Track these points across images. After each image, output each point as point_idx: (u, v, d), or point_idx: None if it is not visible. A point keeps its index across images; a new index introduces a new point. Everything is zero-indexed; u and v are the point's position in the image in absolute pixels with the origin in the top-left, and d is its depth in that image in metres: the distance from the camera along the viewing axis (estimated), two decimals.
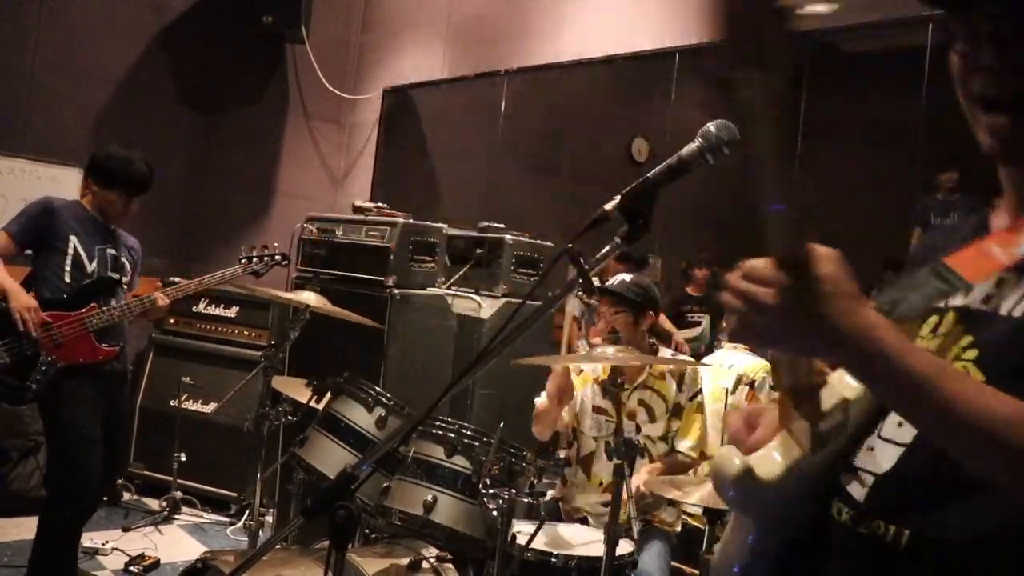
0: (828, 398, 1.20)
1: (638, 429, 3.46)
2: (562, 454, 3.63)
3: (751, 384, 4.00)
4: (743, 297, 1.03)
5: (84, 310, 3.80)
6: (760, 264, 1.02)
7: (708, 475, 3.08)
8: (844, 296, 0.99)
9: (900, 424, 1.15)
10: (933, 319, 1.19)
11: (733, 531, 1.34)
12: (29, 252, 3.88)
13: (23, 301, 3.67)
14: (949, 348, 1.14)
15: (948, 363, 1.05)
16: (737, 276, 1.04)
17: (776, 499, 1.18)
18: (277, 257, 4.29)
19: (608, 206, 1.35)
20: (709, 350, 6.86)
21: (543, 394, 3.52)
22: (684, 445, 3.52)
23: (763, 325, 1.02)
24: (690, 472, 3.52)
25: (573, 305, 6.72)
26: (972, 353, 1.11)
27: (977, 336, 1.12)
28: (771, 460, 1.18)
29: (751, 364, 4.06)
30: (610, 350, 3.01)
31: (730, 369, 4.05)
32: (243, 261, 4.22)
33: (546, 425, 3.46)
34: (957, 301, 1.16)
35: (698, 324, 7.40)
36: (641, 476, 3.24)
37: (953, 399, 0.97)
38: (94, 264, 3.89)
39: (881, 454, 1.16)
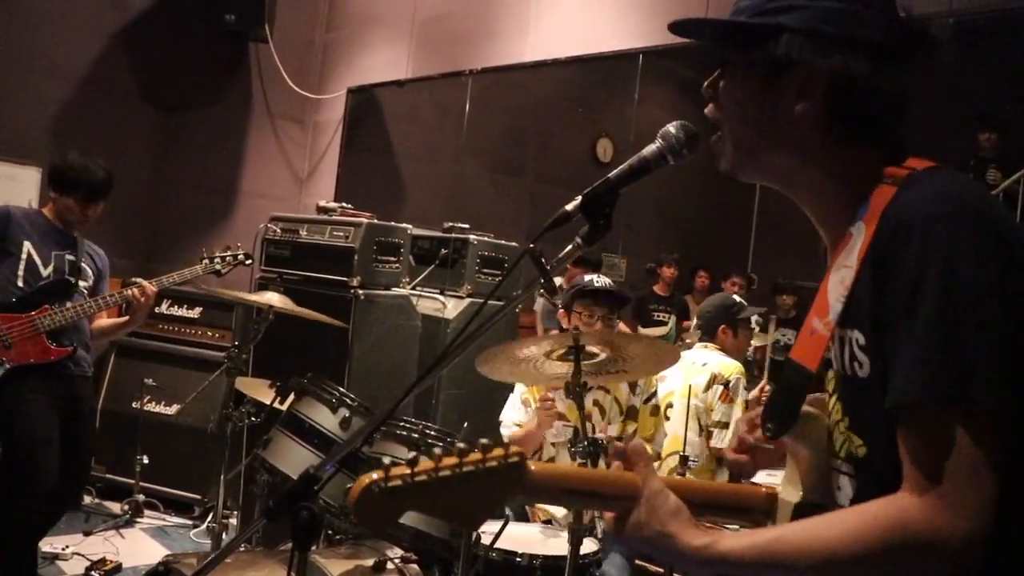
0: (782, 510, 1.33)
1: (593, 430, 3.47)
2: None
3: (725, 384, 4.02)
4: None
5: (35, 312, 3.77)
6: (607, 515, 1.22)
7: (670, 473, 3.11)
8: (657, 536, 1.16)
9: (839, 488, 1.28)
10: (827, 396, 1.31)
11: None
12: None
13: None
14: (836, 420, 1.26)
15: (774, 532, 1.20)
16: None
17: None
18: (240, 256, 4.25)
19: (569, 207, 1.36)
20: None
21: (509, 422, 3.54)
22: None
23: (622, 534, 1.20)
24: None
25: (540, 305, 6.74)
26: (845, 421, 1.23)
27: (842, 402, 1.24)
28: (789, 492, 1.32)
29: (725, 364, 4.09)
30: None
31: (704, 367, 4.08)
32: (204, 261, 4.18)
33: (529, 451, 3.48)
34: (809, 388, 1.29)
35: (664, 324, 7.45)
36: None
37: (789, 558, 1.10)
38: (49, 269, 3.87)
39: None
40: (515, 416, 3.59)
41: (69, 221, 3.95)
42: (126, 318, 4.09)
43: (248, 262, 4.31)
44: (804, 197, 1.32)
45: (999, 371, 1.04)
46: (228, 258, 4.20)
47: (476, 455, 1.06)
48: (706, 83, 1.35)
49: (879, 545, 1.05)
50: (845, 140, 1.25)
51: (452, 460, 1.06)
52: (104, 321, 4.12)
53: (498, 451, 1.07)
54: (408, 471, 1.04)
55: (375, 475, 1.04)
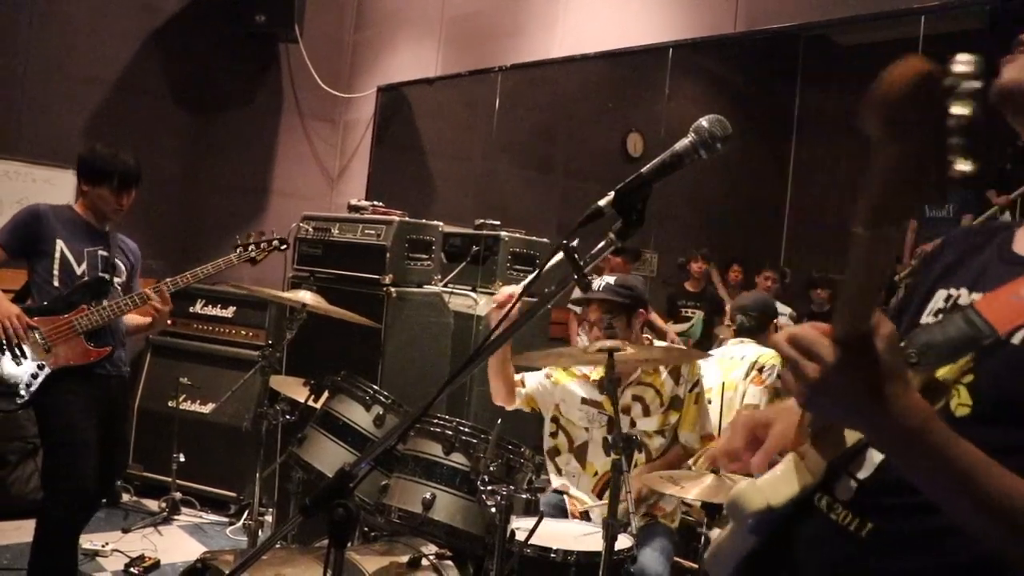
0: (850, 436, 1.27)
1: (632, 424, 3.46)
2: (545, 445, 3.62)
3: (760, 369, 4.01)
4: (790, 362, 1.04)
5: (72, 313, 3.80)
6: (811, 337, 1.02)
7: (707, 468, 3.09)
8: (894, 383, 1.00)
9: None
10: None
11: (731, 535, 1.40)
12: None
13: (5, 309, 3.69)
14: (956, 371, 1.18)
15: (988, 459, 1.04)
16: (784, 340, 1.05)
17: (784, 518, 1.28)
18: (275, 242, 4.22)
19: (602, 202, 1.36)
20: (698, 344, 6.89)
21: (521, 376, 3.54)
22: (688, 438, 3.52)
23: (805, 395, 1.04)
24: (689, 462, 3.53)
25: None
26: (969, 377, 1.16)
27: (978, 362, 1.16)
28: (783, 487, 1.27)
29: (763, 352, 4.08)
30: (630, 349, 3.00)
31: (742, 360, 4.06)
32: (239, 249, 4.16)
33: (500, 382, 3.47)
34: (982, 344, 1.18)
35: (689, 319, 7.41)
36: (635, 482, 3.21)
37: (988, 496, 1.00)
38: (83, 266, 3.89)
39: (869, 460, 1.24)
40: (532, 377, 3.60)
41: (104, 212, 3.95)
42: (144, 321, 4.09)
43: (284, 247, 4.29)
44: None
45: None
46: (263, 244, 4.18)
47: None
48: (967, 145, 1.20)
49: None
50: None
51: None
52: (140, 318, 4.13)
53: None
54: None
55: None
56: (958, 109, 0.86)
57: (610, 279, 3.55)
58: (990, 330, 1.13)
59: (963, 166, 0.93)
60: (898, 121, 0.84)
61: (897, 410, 1.00)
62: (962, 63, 0.87)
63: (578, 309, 6.79)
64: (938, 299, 1.30)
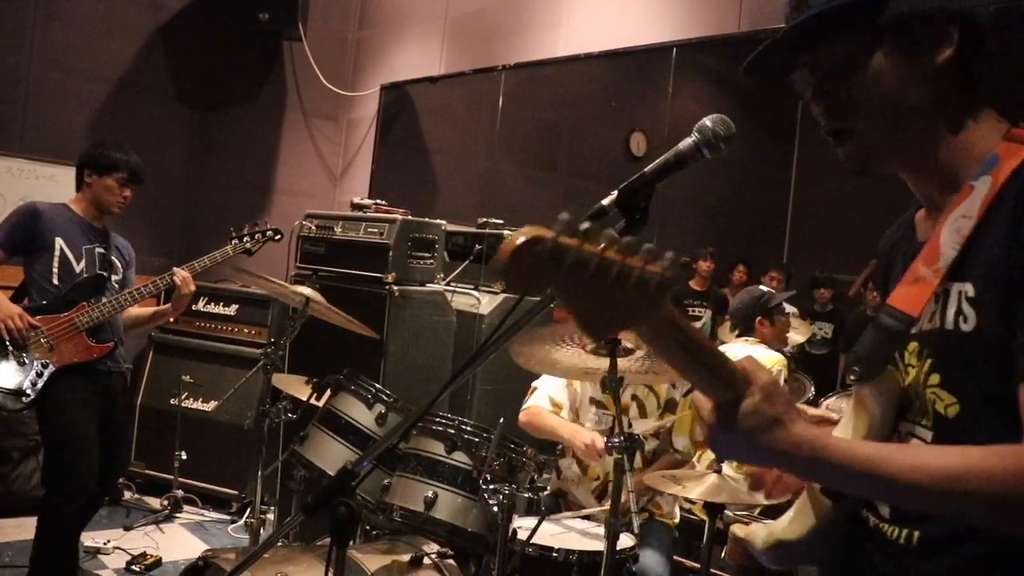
0: None
1: (629, 425, 3.46)
2: (559, 445, 3.62)
3: None
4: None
5: (72, 311, 3.80)
6: (699, 404, 1.16)
7: (708, 467, 3.09)
8: (775, 427, 1.10)
9: None
10: (906, 352, 1.28)
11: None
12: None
13: (7, 309, 3.69)
14: (922, 377, 1.24)
15: (885, 447, 1.16)
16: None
17: (805, 550, 1.34)
18: (269, 232, 4.23)
19: (605, 201, 1.35)
20: None
21: (544, 394, 3.53)
22: (680, 443, 3.52)
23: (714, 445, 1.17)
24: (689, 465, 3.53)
25: None
26: (935, 378, 1.21)
27: (935, 358, 1.21)
28: (798, 524, 1.33)
29: (767, 357, 4.07)
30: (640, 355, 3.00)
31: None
32: (234, 240, 4.18)
33: (533, 432, 3.49)
34: (910, 334, 1.26)
35: (699, 319, 7.40)
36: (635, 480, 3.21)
37: (898, 477, 1.07)
38: (82, 264, 3.90)
39: None
40: (554, 392, 3.58)
41: (106, 205, 3.95)
42: (166, 306, 4.11)
43: (277, 238, 4.30)
44: (926, 163, 1.28)
45: None
46: (257, 235, 4.20)
47: (638, 259, 0.96)
48: (816, 97, 1.30)
49: (1004, 484, 1.03)
50: (973, 92, 1.23)
51: (616, 253, 0.95)
52: (140, 310, 4.13)
53: (657, 265, 0.97)
54: (577, 242, 0.94)
55: (543, 232, 0.93)
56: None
57: None
58: (905, 317, 1.22)
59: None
60: (513, 284, 0.94)
61: (786, 447, 1.09)
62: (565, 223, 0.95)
63: None
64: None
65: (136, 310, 4.11)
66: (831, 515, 1.32)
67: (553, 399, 3.56)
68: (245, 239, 4.19)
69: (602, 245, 0.95)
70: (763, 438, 1.09)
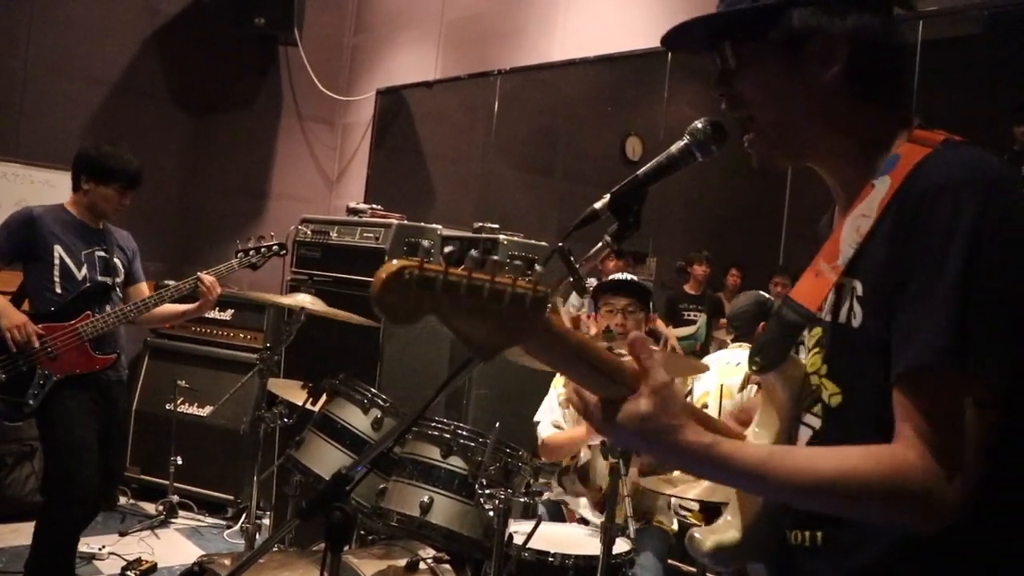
0: None
1: None
2: (564, 462, 3.61)
3: (759, 384, 4.00)
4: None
5: (77, 320, 3.76)
6: (587, 400, 1.17)
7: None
8: (666, 426, 1.12)
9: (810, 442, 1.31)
10: (808, 341, 1.34)
11: None
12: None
13: (13, 319, 3.64)
14: (815, 366, 1.29)
15: (774, 451, 1.20)
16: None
17: (743, 552, 1.37)
18: (275, 248, 4.19)
19: (597, 205, 1.36)
20: (704, 349, 6.87)
21: (547, 422, 3.52)
22: None
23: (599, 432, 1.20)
24: None
25: (571, 301, 6.74)
26: (824, 368, 1.26)
27: (826, 349, 1.26)
28: (733, 525, 1.36)
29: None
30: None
31: (738, 367, 4.04)
32: (239, 254, 4.13)
33: (554, 456, 3.49)
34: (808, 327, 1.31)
35: (694, 323, 7.40)
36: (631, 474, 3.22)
37: (786, 482, 1.12)
38: (84, 270, 3.85)
39: None
40: (553, 416, 3.57)
41: (103, 211, 3.91)
42: (191, 306, 4.03)
43: (283, 253, 4.27)
44: (829, 163, 1.33)
45: (1008, 348, 1.09)
46: (263, 250, 4.15)
47: (507, 277, 0.99)
48: (716, 83, 1.35)
49: (878, 485, 1.09)
50: (865, 100, 1.26)
51: (484, 274, 0.99)
52: (172, 307, 4.06)
53: (527, 282, 1.00)
54: (442, 267, 0.97)
55: (408, 261, 0.98)
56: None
57: (633, 276, 3.57)
58: (804, 311, 1.26)
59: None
60: (390, 314, 0.98)
61: (679, 451, 1.13)
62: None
63: (575, 306, 6.79)
64: None
65: (170, 307, 4.03)
66: (761, 512, 1.35)
67: (555, 423, 3.55)
68: (251, 253, 4.13)
69: (466, 268, 0.98)
70: (656, 438, 1.12)
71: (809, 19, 1.24)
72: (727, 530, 1.37)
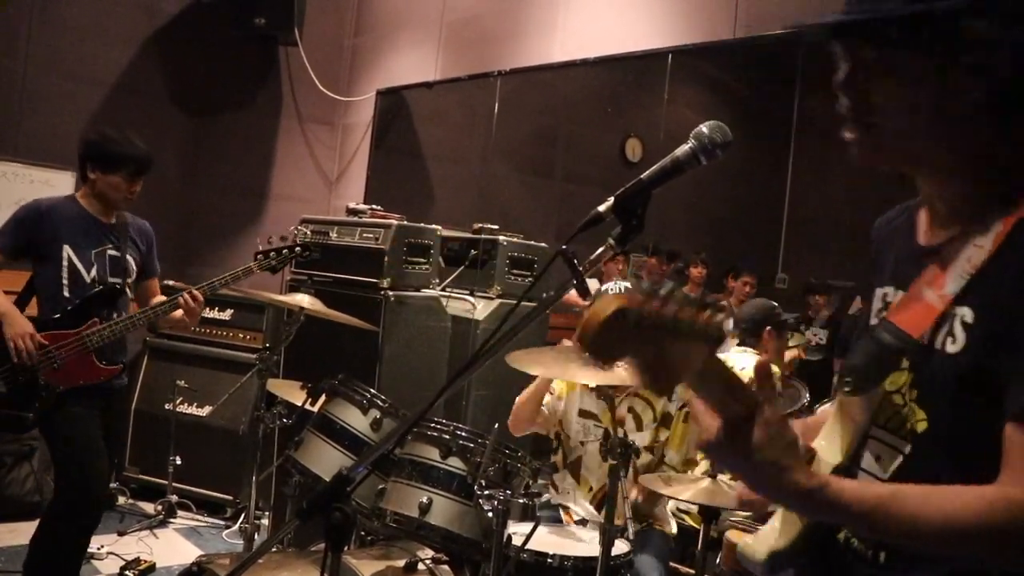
0: (819, 468, 1.34)
1: (625, 436, 3.45)
2: (551, 458, 3.63)
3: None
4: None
5: (83, 327, 3.63)
6: (702, 416, 1.17)
7: (704, 474, 3.09)
8: (775, 461, 1.12)
9: (877, 458, 1.29)
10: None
11: None
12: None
13: (18, 328, 3.51)
14: (905, 389, 1.25)
15: (880, 494, 1.15)
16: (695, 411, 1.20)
17: (797, 558, 1.36)
18: (297, 250, 4.04)
19: (601, 208, 1.36)
20: None
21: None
22: (672, 458, 3.52)
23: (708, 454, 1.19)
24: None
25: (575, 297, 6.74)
26: (914, 393, 1.23)
27: (917, 375, 1.23)
28: (784, 531, 1.36)
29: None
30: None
31: (742, 371, 4.04)
32: (259, 257, 3.98)
33: (520, 421, 3.51)
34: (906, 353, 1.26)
35: None
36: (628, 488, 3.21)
37: (894, 525, 1.11)
38: (93, 272, 3.73)
39: None
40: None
41: (113, 200, 3.76)
42: (178, 314, 3.85)
43: (306, 254, 4.11)
44: (941, 179, 1.27)
45: None
46: (285, 252, 4.00)
47: (693, 310, 0.99)
48: (842, 86, 1.25)
49: (996, 525, 1.07)
50: (1012, 125, 1.19)
51: (685, 312, 0.98)
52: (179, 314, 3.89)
53: (707, 312, 1.00)
54: (655, 304, 0.96)
55: (628, 301, 0.96)
56: (667, 309, 0.99)
57: (626, 283, 3.57)
58: (906, 338, 1.23)
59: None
60: (600, 354, 0.99)
61: (783, 487, 1.12)
62: (643, 287, 0.99)
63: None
64: (877, 299, 1.37)
65: (178, 314, 3.87)
66: (812, 527, 1.35)
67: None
68: (271, 255, 3.99)
69: (675, 306, 0.99)
70: (761, 473, 1.12)
71: (983, 30, 1.14)
72: (778, 537, 1.36)
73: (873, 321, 1.34)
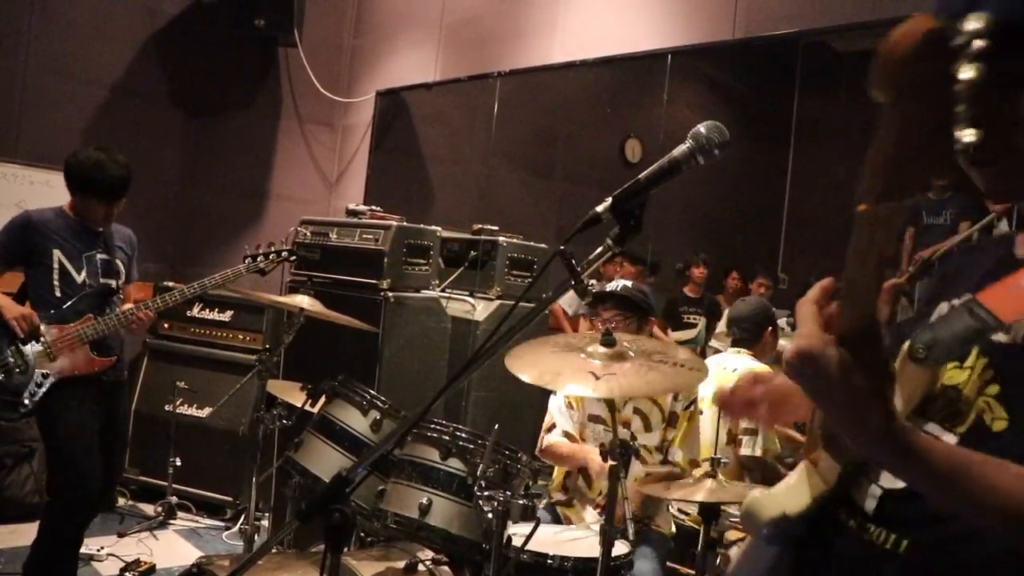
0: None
1: (633, 438, 3.44)
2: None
3: None
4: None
5: (78, 322, 3.75)
6: (810, 324, 1.04)
7: (703, 476, 3.09)
8: (867, 394, 1.01)
9: None
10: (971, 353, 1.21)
11: (749, 549, 1.41)
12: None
13: (15, 310, 3.65)
14: (975, 383, 1.17)
15: (969, 456, 1.06)
16: (792, 357, 1.04)
17: (802, 527, 1.27)
18: (284, 253, 4.13)
19: (600, 208, 1.36)
20: (703, 353, 6.86)
21: (559, 431, 3.49)
22: (677, 456, 3.51)
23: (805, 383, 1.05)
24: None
25: (567, 301, 6.73)
26: (994, 388, 1.14)
27: (1000, 372, 1.15)
28: (798, 495, 1.27)
29: (755, 368, 4.04)
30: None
31: (734, 372, 4.04)
32: (247, 260, 4.07)
33: (549, 458, 3.48)
34: (988, 337, 1.17)
35: (694, 326, 7.40)
36: (633, 495, 3.19)
37: (989, 481, 1.01)
38: (83, 274, 3.81)
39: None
40: (564, 423, 3.54)
41: (93, 220, 3.86)
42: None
43: (292, 258, 4.23)
44: None
45: None
46: (272, 255, 4.10)
47: None
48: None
49: None
50: None
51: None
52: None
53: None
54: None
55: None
56: (964, 73, 0.83)
57: (626, 282, 3.55)
58: (995, 320, 1.13)
59: (967, 136, 0.95)
60: (904, 81, 0.82)
61: (870, 417, 1.01)
62: (973, 20, 0.84)
63: (570, 309, 6.80)
64: (940, 310, 1.28)
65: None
66: (827, 496, 1.28)
67: (568, 433, 3.53)
68: (259, 259, 4.07)
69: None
70: (852, 401, 1.01)
71: None
72: (794, 498, 1.28)
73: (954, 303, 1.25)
